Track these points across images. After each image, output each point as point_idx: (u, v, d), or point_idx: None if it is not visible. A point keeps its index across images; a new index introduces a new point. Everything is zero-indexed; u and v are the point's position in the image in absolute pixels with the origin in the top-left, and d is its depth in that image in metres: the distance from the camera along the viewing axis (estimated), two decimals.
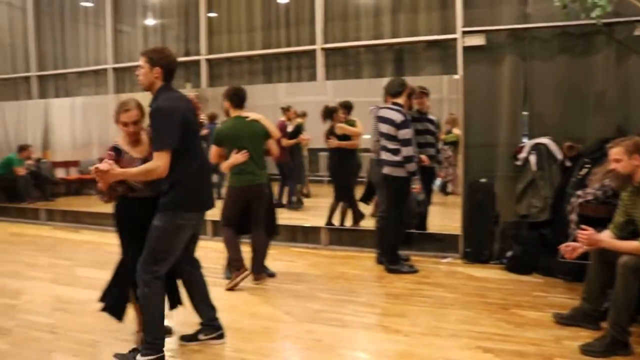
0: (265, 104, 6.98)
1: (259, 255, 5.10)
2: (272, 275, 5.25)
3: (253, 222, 4.99)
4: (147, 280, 3.22)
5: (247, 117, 4.86)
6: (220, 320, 3.67)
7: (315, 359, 3.40)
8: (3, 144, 9.38)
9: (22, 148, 9.10)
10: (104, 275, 3.41)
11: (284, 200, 7.43)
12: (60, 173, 9.71)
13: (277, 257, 5.89)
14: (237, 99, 4.88)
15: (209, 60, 7.17)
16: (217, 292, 4.76)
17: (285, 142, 6.90)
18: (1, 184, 9.10)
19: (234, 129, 4.83)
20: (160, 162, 3.08)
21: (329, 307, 4.33)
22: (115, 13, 8.01)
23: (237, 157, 4.75)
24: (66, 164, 9.68)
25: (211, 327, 3.65)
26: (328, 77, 6.51)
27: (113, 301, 3.53)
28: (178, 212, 3.24)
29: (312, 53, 6.53)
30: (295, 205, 7.44)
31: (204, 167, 3.46)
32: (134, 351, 3.35)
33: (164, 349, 3.28)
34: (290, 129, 7.10)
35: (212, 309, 3.67)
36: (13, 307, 4.59)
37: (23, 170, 9.06)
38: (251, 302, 4.55)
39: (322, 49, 6.44)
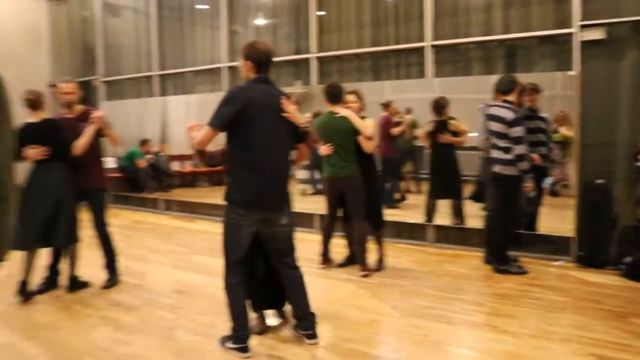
0: (372, 100, 7.04)
1: (357, 247, 5.25)
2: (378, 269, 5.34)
3: (348, 214, 5.25)
4: (224, 275, 3.48)
5: (337, 113, 5.07)
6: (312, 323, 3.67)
7: (421, 354, 3.44)
8: (127, 138, 10.15)
9: (143, 142, 9.85)
10: (219, 263, 3.64)
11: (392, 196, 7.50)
12: (175, 166, 10.40)
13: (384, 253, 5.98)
14: (330, 95, 5.15)
15: (319, 58, 7.35)
16: (325, 284, 4.99)
17: (396, 130, 7.04)
18: (125, 175, 9.87)
19: (323, 123, 5.09)
20: (200, 134, 3.32)
21: (435, 304, 4.35)
22: (229, 14, 8.42)
23: (322, 150, 5.08)
24: (181, 158, 10.35)
25: (300, 326, 3.70)
26: (437, 74, 6.48)
27: None
28: (231, 206, 3.39)
29: (420, 50, 6.53)
30: (396, 203, 7.46)
31: (258, 162, 3.32)
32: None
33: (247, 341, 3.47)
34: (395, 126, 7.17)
35: (301, 309, 3.66)
36: (139, 287, 5.02)
37: (144, 162, 9.79)
38: (358, 294, 4.67)
39: (432, 46, 6.42)
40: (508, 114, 4.93)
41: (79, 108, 4.97)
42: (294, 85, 7.68)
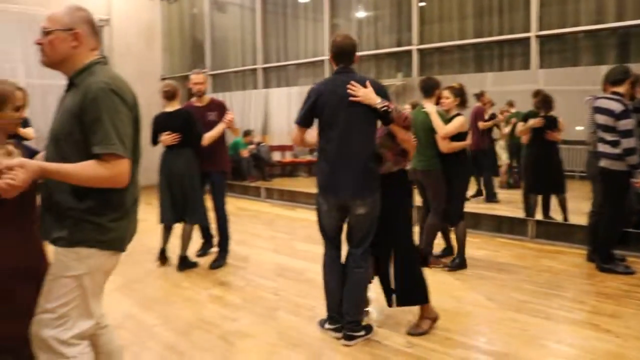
0: (474, 92, 6.96)
1: (425, 239, 5.26)
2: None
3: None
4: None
5: (423, 108, 5.11)
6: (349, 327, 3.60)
7: (517, 346, 3.44)
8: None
9: (247, 133, 10.29)
10: (319, 250, 3.82)
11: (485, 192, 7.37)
12: (276, 156, 10.78)
13: (481, 246, 5.96)
14: (422, 89, 5.23)
15: (420, 50, 7.34)
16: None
17: (482, 124, 6.94)
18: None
19: (413, 116, 5.05)
20: (293, 132, 3.63)
21: (534, 299, 4.29)
22: (331, 8, 8.59)
23: None
24: (282, 148, 10.72)
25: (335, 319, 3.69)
26: (542, 65, 6.28)
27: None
28: (317, 192, 3.60)
29: (525, 41, 6.35)
30: (494, 198, 7.32)
31: (329, 150, 3.46)
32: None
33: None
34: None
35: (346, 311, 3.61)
36: (244, 269, 5.34)
37: (247, 152, 10.24)
38: (455, 286, 4.70)
39: (537, 36, 6.24)
40: (616, 106, 4.73)
41: (207, 98, 5.52)
42: (395, 77, 7.74)
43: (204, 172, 5.35)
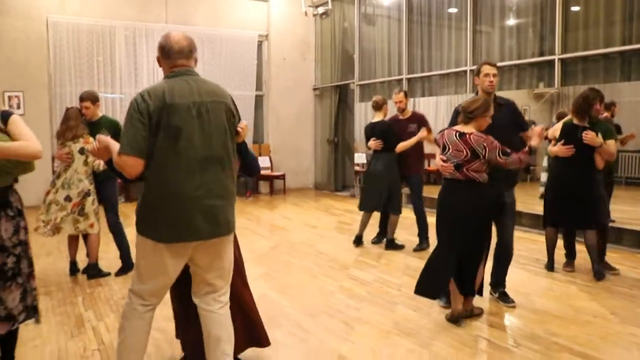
0: (622, 101, 6.67)
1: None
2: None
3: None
4: None
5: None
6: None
7: (625, 358, 3.44)
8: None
9: None
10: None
11: None
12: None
13: (619, 262, 5.75)
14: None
15: (562, 60, 7.21)
16: (546, 282, 5.10)
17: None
18: None
19: None
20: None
21: None
22: (474, 17, 8.67)
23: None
24: (427, 156, 10.91)
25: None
26: None
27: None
28: None
29: None
30: None
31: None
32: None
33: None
34: None
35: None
36: (374, 267, 5.74)
37: None
38: (579, 297, 4.68)
39: None
40: None
41: (409, 111, 6.56)
42: (537, 88, 7.69)
43: (403, 175, 6.40)
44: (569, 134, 5.11)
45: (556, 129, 5.29)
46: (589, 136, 4.96)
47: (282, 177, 11.93)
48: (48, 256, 6.16)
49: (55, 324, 4.09)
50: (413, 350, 3.59)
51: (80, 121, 5.15)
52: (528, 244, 6.78)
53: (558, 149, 5.15)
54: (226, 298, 2.85)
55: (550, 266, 5.50)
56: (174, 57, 2.66)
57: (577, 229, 5.47)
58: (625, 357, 3.49)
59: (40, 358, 3.49)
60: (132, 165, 2.53)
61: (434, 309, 4.35)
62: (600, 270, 5.20)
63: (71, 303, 4.58)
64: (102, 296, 4.77)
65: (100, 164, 5.02)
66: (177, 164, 2.55)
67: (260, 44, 12.18)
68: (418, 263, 5.79)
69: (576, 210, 5.16)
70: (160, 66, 2.75)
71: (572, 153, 5.05)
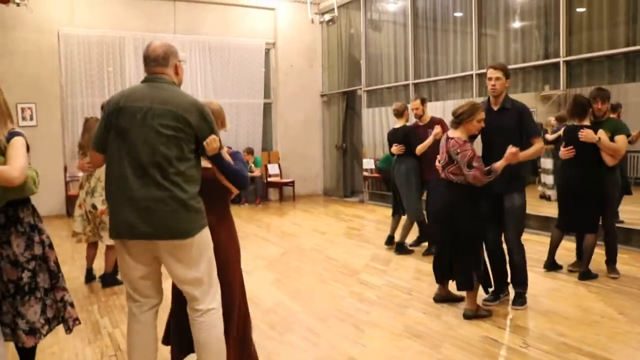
0: (626, 103, 6.71)
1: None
2: None
3: None
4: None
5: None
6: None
7: (636, 358, 3.49)
8: (385, 142, 11.16)
9: None
10: None
11: None
12: None
13: (628, 262, 5.80)
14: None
15: (567, 62, 7.26)
16: (554, 284, 5.14)
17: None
18: (382, 176, 10.87)
19: None
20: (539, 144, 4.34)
21: None
22: (479, 20, 8.72)
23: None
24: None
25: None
26: None
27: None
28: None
29: None
30: None
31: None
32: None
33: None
34: None
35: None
36: (383, 272, 5.80)
37: None
38: (587, 297, 4.73)
39: None
40: None
41: (427, 117, 6.64)
42: (543, 90, 7.74)
43: (423, 180, 6.51)
44: (569, 136, 5.18)
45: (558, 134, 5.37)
46: (583, 133, 5.00)
47: (292, 183, 12.02)
48: (63, 265, 6.22)
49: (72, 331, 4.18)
50: (423, 352, 3.65)
51: None
52: (535, 246, 6.79)
53: (560, 151, 5.23)
54: (204, 306, 2.82)
55: (547, 265, 5.61)
56: (149, 64, 2.82)
57: (578, 232, 5.50)
58: (634, 356, 3.53)
59: None
60: (94, 158, 2.94)
61: (443, 312, 4.41)
62: (586, 272, 5.24)
63: (87, 311, 4.68)
64: (117, 304, 4.87)
65: None
66: (122, 164, 2.68)
67: (267, 51, 12.30)
68: (427, 267, 5.84)
69: (578, 214, 5.20)
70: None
71: (573, 154, 5.10)
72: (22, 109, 9.85)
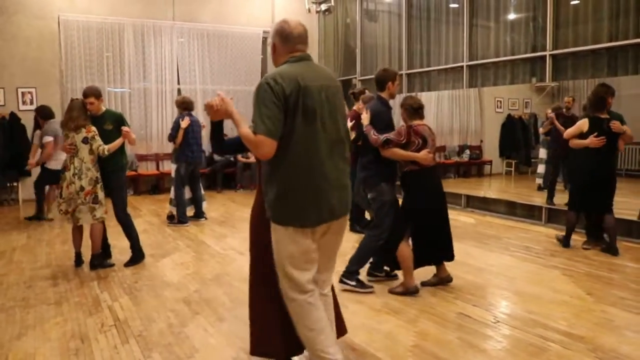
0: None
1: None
2: None
3: None
4: None
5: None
6: None
7: (597, 333, 3.76)
8: None
9: None
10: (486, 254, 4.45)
11: None
12: None
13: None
14: None
15: (553, 56, 7.49)
16: (531, 268, 5.43)
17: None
18: None
19: None
20: None
21: (635, 297, 4.49)
22: (470, 12, 8.92)
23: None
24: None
25: None
26: None
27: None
28: None
29: None
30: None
31: None
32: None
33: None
34: None
35: None
36: None
37: None
38: (559, 280, 5.02)
39: None
40: None
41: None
42: (530, 82, 7.99)
43: None
44: (598, 127, 5.73)
45: (579, 126, 5.88)
46: (616, 125, 5.66)
47: None
48: (63, 244, 6.54)
49: (74, 304, 4.45)
50: (400, 326, 3.93)
51: (82, 112, 5.33)
52: (520, 233, 7.11)
53: (590, 141, 5.74)
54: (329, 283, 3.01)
55: (566, 243, 6.15)
56: (294, 41, 2.72)
57: (600, 214, 5.94)
58: (594, 330, 3.80)
59: (63, 333, 3.85)
60: (268, 147, 2.52)
61: (422, 291, 4.68)
62: (614, 247, 5.85)
63: (88, 286, 4.95)
64: (115, 280, 5.14)
65: (105, 149, 5.26)
66: (316, 147, 2.61)
67: (265, 40, 12.49)
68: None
69: (600, 197, 5.81)
70: (273, 53, 2.81)
71: (604, 143, 5.66)
72: (23, 93, 10.07)
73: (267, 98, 2.51)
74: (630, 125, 5.84)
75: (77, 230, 5.54)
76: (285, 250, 2.71)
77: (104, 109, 5.59)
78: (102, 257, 5.60)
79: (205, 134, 7.71)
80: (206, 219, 8.15)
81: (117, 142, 5.41)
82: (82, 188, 5.26)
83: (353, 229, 6.87)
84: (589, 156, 5.79)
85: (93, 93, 5.39)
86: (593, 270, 5.31)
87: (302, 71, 2.62)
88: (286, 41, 2.71)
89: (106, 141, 5.34)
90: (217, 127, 2.93)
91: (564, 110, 8.32)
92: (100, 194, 5.37)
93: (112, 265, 5.62)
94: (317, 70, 2.73)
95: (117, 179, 5.54)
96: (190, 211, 8.01)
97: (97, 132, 5.32)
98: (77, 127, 5.29)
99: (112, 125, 5.44)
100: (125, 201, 5.62)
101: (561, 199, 7.61)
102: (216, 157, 11.51)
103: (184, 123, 7.57)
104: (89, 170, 5.29)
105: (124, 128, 5.41)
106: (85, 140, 5.28)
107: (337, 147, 2.70)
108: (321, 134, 2.62)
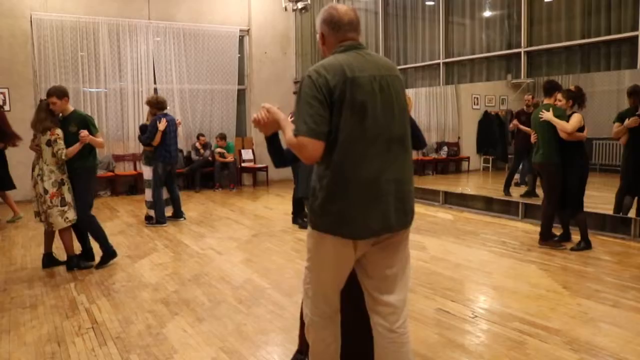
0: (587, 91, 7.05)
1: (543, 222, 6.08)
2: None
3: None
4: None
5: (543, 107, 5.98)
6: None
7: (572, 325, 3.82)
8: None
9: None
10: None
11: None
12: None
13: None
14: (543, 89, 6.17)
15: (527, 53, 7.58)
16: (509, 263, 5.50)
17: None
18: None
19: (534, 114, 6.21)
20: None
21: (609, 289, 4.58)
22: (446, 10, 8.98)
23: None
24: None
25: None
26: None
27: None
28: None
29: (634, 40, 6.39)
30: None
31: None
32: None
33: None
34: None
35: None
36: None
37: None
38: (536, 274, 5.09)
39: None
40: None
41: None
42: (505, 79, 8.09)
43: None
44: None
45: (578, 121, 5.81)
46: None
47: (265, 169, 12.23)
48: (39, 247, 6.42)
49: (50, 307, 4.39)
50: None
51: (49, 113, 5.25)
52: (497, 228, 7.19)
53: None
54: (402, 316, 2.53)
55: (588, 243, 6.01)
56: (344, 29, 2.37)
57: None
58: (569, 323, 3.87)
59: (39, 336, 3.80)
60: (312, 149, 2.18)
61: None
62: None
63: (64, 289, 4.89)
64: (92, 282, 5.08)
65: (63, 153, 5.16)
66: (366, 145, 2.24)
67: (241, 38, 12.45)
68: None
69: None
70: (322, 44, 2.46)
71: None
72: None
73: (308, 93, 2.19)
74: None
75: (50, 232, 5.48)
76: (319, 260, 2.41)
77: (71, 109, 5.47)
78: (78, 259, 5.53)
79: (181, 131, 7.65)
80: (185, 219, 8.10)
81: (75, 147, 5.28)
82: (45, 191, 5.19)
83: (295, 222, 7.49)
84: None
85: (54, 93, 5.28)
86: (569, 264, 5.39)
87: (351, 61, 2.27)
88: (336, 29, 2.37)
89: (70, 144, 5.26)
90: (272, 141, 2.56)
91: (525, 108, 8.53)
92: (68, 196, 5.29)
93: (91, 267, 5.55)
94: (369, 59, 2.34)
95: (82, 180, 5.42)
96: (168, 211, 7.95)
97: (60, 135, 5.23)
98: (44, 129, 5.21)
99: (76, 127, 5.29)
100: (87, 203, 5.48)
101: (517, 191, 8.38)
102: (193, 156, 11.44)
103: (162, 125, 7.49)
104: (52, 173, 5.22)
105: (82, 132, 5.26)
106: (48, 143, 5.21)
107: (394, 147, 2.31)
108: (372, 131, 2.25)
